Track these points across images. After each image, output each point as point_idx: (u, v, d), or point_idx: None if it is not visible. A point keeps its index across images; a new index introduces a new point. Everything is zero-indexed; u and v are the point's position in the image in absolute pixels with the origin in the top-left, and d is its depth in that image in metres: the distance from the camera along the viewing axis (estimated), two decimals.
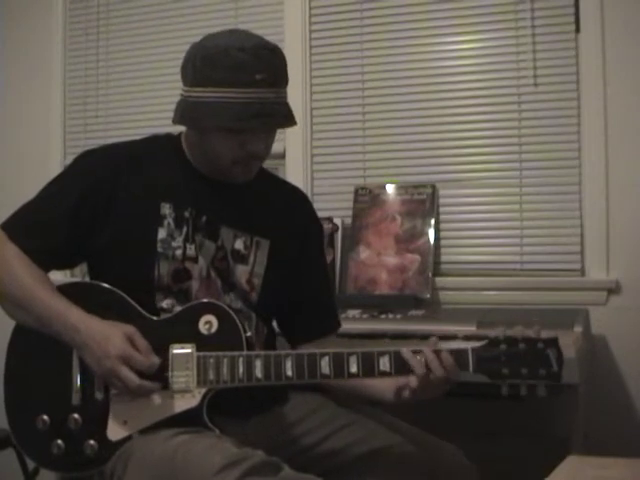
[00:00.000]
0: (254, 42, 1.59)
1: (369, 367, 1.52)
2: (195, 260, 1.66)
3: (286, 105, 1.62)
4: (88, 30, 3.18)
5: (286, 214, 1.80)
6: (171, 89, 2.90)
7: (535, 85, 2.61)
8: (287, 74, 1.63)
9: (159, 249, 1.64)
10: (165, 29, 3.06)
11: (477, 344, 1.53)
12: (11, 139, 3.27)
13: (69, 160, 3.06)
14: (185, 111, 1.62)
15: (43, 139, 3.21)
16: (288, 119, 1.62)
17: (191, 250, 1.66)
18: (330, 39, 2.86)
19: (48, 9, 3.22)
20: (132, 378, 1.49)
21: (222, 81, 1.55)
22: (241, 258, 1.71)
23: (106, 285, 1.63)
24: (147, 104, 3.06)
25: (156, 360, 1.52)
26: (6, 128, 3.27)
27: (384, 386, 1.61)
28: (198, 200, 1.68)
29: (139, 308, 1.60)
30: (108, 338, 1.51)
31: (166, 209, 1.66)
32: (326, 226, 2.62)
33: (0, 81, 3.28)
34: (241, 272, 1.70)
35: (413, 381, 1.52)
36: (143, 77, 3.08)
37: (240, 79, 1.55)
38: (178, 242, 1.65)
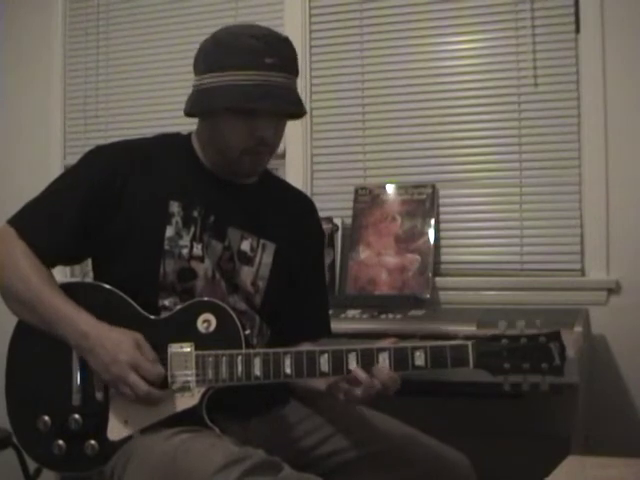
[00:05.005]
0: (266, 31, 1.62)
1: (368, 364, 1.51)
2: (201, 260, 1.65)
3: (295, 93, 1.63)
4: (88, 30, 3.19)
5: (293, 220, 1.79)
6: (171, 88, 2.92)
7: (535, 85, 2.61)
8: (297, 65, 1.65)
9: (166, 247, 1.63)
10: (165, 29, 3.06)
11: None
12: (11, 139, 3.26)
13: (69, 160, 3.11)
14: (196, 100, 1.63)
15: (43, 139, 3.21)
16: (297, 105, 1.63)
17: (198, 250, 1.65)
18: (330, 39, 2.87)
19: (48, 9, 3.22)
20: (141, 384, 1.49)
21: (232, 65, 1.57)
22: (247, 260, 1.70)
23: (105, 285, 1.62)
24: (147, 104, 3.06)
25: (162, 370, 1.53)
26: (6, 128, 3.27)
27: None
28: (207, 200, 1.68)
29: (138, 307, 1.60)
30: (118, 345, 1.51)
31: (175, 207, 1.65)
32: (326, 226, 2.61)
33: (0, 81, 3.28)
34: (246, 274, 1.70)
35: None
36: (143, 77, 3.08)
37: (250, 62, 1.56)
38: (185, 241, 1.64)
